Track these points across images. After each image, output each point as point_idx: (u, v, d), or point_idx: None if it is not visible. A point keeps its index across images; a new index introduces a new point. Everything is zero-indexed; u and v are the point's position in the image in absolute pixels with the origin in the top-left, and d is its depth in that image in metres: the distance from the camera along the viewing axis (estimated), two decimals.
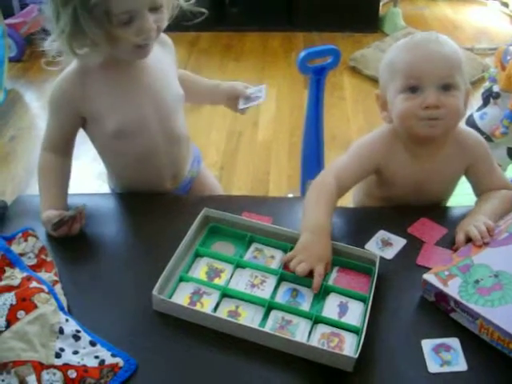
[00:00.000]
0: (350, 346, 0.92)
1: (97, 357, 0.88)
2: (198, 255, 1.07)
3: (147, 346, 0.92)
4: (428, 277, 0.99)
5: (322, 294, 1.01)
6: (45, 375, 0.83)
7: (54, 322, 0.89)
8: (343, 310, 0.98)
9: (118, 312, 0.98)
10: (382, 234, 1.14)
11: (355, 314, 0.98)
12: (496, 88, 2.07)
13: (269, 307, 0.97)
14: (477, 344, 0.92)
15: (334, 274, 1.05)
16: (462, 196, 1.33)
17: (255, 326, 0.93)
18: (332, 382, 0.88)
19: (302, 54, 1.49)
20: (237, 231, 1.12)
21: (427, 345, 0.92)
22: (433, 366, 0.89)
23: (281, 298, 1.00)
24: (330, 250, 1.06)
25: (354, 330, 0.94)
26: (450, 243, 1.12)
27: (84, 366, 0.86)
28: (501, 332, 0.89)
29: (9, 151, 2.61)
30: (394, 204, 1.25)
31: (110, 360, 0.87)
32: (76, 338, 0.89)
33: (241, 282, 1.02)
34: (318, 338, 0.93)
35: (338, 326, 0.95)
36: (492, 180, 1.22)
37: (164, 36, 1.30)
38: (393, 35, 3.36)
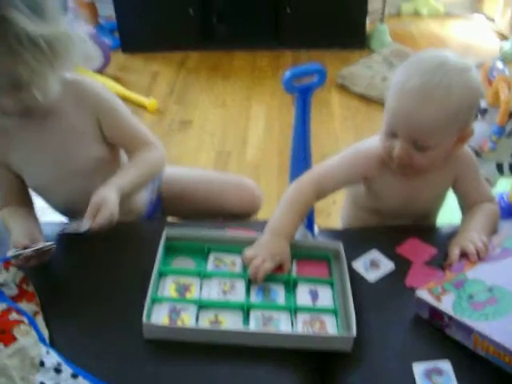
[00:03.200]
0: (332, 327, 0.98)
1: None
2: (161, 275, 1.06)
3: (133, 375, 0.90)
4: (421, 293, 0.99)
5: (291, 286, 1.05)
6: None
7: (35, 354, 0.87)
8: (314, 295, 1.04)
9: (101, 342, 0.96)
10: (372, 253, 1.13)
11: (326, 297, 1.04)
12: (483, 103, 2.08)
13: (247, 309, 1.00)
14: (470, 365, 0.91)
15: (294, 267, 1.10)
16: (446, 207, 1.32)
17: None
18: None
19: (287, 73, 1.48)
20: (193, 244, 1.12)
21: (418, 368, 0.91)
22: None
23: (255, 298, 1.03)
24: (287, 251, 1.08)
25: (331, 311, 1.01)
26: (439, 263, 1.10)
27: None
28: (496, 345, 0.87)
29: None
30: (382, 216, 1.25)
31: None
32: (57, 370, 0.87)
33: (212, 291, 1.03)
34: (301, 326, 0.97)
35: (315, 311, 1.01)
36: (477, 193, 1.21)
37: (83, 89, 1.19)
38: (380, 52, 3.38)
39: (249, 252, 1.07)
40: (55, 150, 1.19)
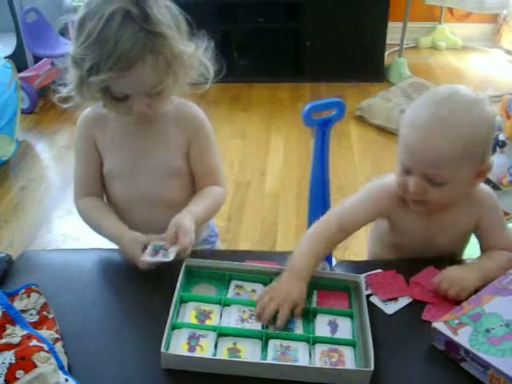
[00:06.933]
0: (350, 359, 0.97)
1: None
2: (182, 301, 1.07)
3: None
4: (438, 325, 0.98)
5: (310, 316, 1.05)
6: None
7: (53, 381, 0.87)
8: (333, 327, 1.04)
9: (120, 371, 0.96)
10: None
11: (346, 328, 1.03)
12: (502, 137, 2.08)
13: (266, 338, 1.00)
14: None
15: (314, 298, 1.09)
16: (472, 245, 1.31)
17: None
18: None
19: (307, 107, 1.49)
20: (215, 272, 1.13)
21: None
22: None
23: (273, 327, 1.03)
24: (303, 294, 1.06)
25: (349, 344, 1.00)
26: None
27: None
28: None
29: (19, 201, 2.63)
30: (406, 253, 1.24)
31: None
32: None
33: (231, 319, 1.04)
34: (318, 357, 0.97)
35: (333, 343, 1.00)
36: (499, 237, 1.19)
37: (188, 111, 1.31)
38: (398, 84, 3.40)
39: (265, 298, 1.04)
40: (140, 145, 1.27)
